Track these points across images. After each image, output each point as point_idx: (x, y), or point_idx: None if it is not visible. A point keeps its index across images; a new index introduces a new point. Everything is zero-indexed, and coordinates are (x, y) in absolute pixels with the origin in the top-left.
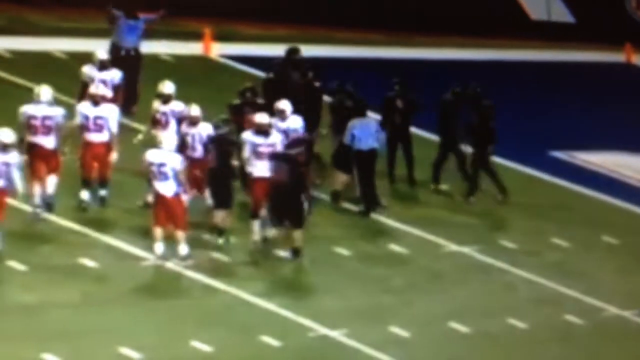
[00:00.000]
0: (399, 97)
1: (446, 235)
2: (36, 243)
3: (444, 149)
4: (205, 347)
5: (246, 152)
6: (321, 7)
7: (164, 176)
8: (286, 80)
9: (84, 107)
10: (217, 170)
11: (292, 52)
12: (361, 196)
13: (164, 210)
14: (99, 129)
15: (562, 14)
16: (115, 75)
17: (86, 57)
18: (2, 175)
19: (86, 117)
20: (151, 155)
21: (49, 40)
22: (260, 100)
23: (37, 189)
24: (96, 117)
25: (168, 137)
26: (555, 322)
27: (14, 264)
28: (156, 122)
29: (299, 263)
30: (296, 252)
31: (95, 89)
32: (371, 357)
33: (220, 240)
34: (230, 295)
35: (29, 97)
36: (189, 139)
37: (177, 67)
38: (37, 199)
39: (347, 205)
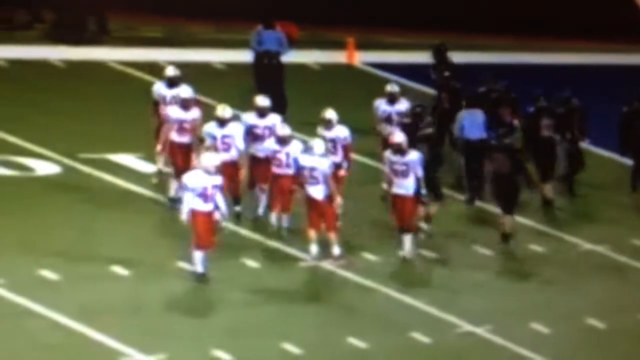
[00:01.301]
0: (579, 109)
1: (582, 235)
2: None
3: (636, 158)
4: (361, 344)
5: (386, 169)
6: (460, 14)
7: (314, 180)
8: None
9: (210, 128)
10: (428, 164)
11: (440, 51)
12: (467, 185)
13: (316, 212)
14: (227, 148)
15: None
16: (185, 91)
17: (243, 68)
18: (211, 198)
19: (214, 138)
20: (303, 160)
21: (207, 51)
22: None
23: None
24: (224, 137)
25: (318, 142)
26: None
27: (183, 265)
28: (255, 137)
29: (443, 262)
30: (505, 238)
31: (221, 110)
32: (516, 353)
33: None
34: (380, 293)
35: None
36: (281, 157)
37: (323, 75)
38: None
39: (486, 207)
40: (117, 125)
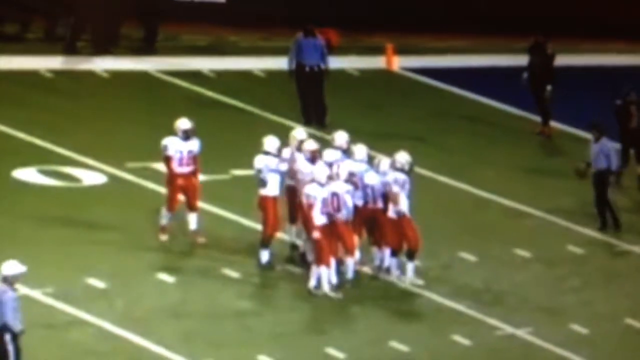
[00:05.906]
0: (634, 103)
1: (618, 236)
2: (247, 252)
3: None
4: (403, 347)
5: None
6: (499, 17)
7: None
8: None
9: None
10: None
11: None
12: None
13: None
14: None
15: None
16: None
17: (284, 75)
18: (343, 205)
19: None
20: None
21: (249, 59)
22: None
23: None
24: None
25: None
26: None
27: (228, 271)
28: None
29: (484, 265)
30: None
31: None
32: (555, 354)
33: None
34: (423, 298)
35: (233, 115)
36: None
37: (362, 81)
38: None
39: (524, 209)
40: (162, 134)
